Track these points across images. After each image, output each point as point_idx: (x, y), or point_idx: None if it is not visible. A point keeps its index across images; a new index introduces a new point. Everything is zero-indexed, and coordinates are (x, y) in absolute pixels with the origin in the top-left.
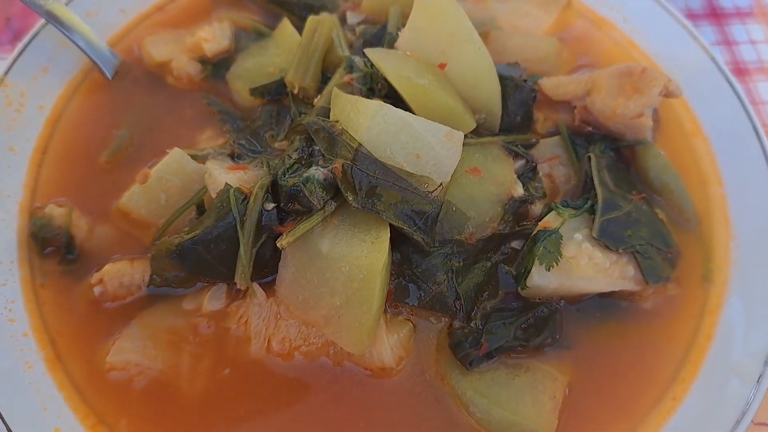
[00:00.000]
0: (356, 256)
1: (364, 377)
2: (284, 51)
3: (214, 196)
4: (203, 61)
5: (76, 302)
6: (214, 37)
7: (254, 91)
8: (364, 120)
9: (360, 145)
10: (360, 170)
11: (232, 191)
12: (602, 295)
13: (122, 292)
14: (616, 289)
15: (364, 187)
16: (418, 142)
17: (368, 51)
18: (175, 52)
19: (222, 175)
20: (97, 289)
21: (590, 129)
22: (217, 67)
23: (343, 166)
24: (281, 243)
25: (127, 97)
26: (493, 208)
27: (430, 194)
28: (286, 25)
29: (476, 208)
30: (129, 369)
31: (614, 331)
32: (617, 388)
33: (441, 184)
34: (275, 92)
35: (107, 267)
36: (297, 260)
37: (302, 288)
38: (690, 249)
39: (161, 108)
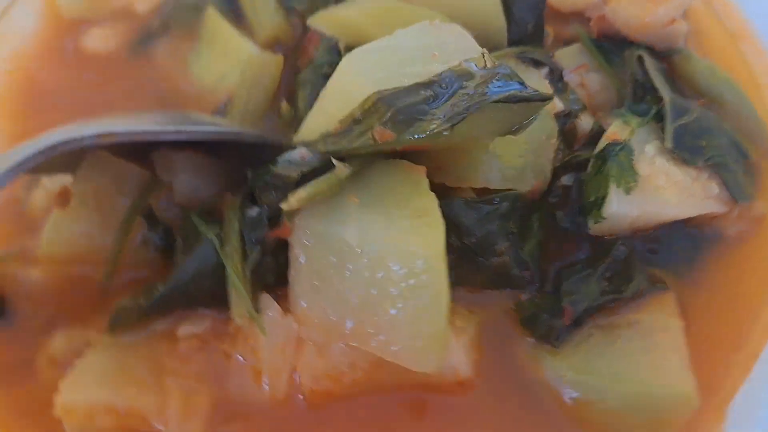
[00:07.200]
0: (405, 240)
1: (436, 403)
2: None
3: None
4: None
5: None
6: None
7: None
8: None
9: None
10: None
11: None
12: (679, 223)
13: None
14: (703, 213)
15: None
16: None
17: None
18: None
19: None
20: None
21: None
22: None
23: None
24: (286, 205)
25: None
26: (547, 124)
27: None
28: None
29: (527, 134)
30: (91, 413)
31: (708, 264)
32: (737, 318)
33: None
34: None
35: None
36: (317, 264)
37: (332, 302)
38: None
39: None
